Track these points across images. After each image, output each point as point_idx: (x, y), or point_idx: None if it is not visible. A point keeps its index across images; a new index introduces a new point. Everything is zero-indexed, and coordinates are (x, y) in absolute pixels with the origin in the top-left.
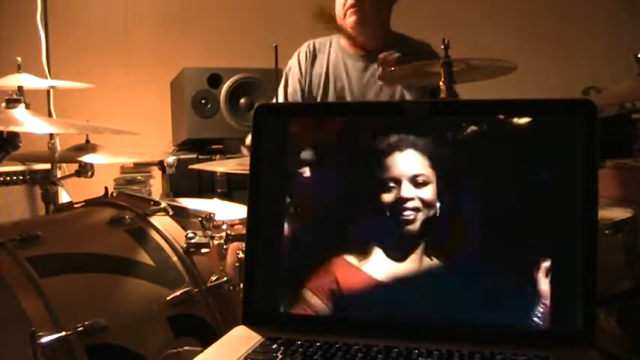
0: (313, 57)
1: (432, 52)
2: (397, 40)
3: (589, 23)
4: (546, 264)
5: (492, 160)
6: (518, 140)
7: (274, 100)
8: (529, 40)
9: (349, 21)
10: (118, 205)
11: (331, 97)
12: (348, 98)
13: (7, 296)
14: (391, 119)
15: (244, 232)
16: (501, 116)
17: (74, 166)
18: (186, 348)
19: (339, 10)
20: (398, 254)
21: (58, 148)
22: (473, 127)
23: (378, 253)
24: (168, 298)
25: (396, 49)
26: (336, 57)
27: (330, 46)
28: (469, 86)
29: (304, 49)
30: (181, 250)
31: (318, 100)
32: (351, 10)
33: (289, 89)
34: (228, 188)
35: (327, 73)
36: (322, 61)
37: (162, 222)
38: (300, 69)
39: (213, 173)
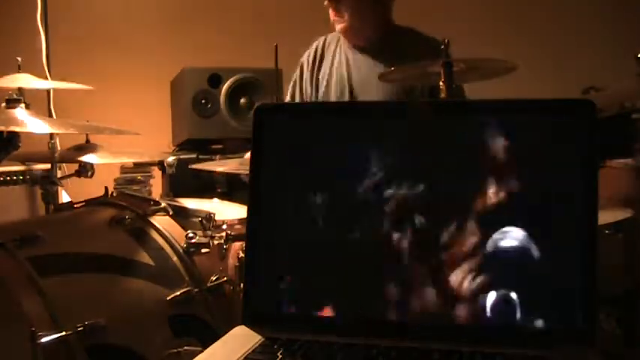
0: (321, 57)
1: (436, 49)
2: (400, 34)
3: (589, 23)
4: (546, 264)
5: (492, 161)
6: (517, 140)
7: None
8: (529, 40)
9: (337, 29)
10: (118, 205)
11: (333, 96)
12: (346, 97)
13: (7, 296)
14: (391, 119)
15: (244, 232)
16: (501, 116)
17: (74, 166)
18: (186, 348)
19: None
20: (398, 254)
21: (58, 148)
22: (472, 128)
23: (378, 253)
24: (168, 298)
25: (395, 42)
26: (341, 54)
27: (338, 40)
28: (469, 86)
29: (312, 49)
30: (181, 250)
31: (321, 98)
32: (335, 20)
33: (287, 97)
34: (228, 188)
35: (330, 74)
36: (328, 61)
37: (162, 222)
38: (302, 73)
39: (213, 173)
